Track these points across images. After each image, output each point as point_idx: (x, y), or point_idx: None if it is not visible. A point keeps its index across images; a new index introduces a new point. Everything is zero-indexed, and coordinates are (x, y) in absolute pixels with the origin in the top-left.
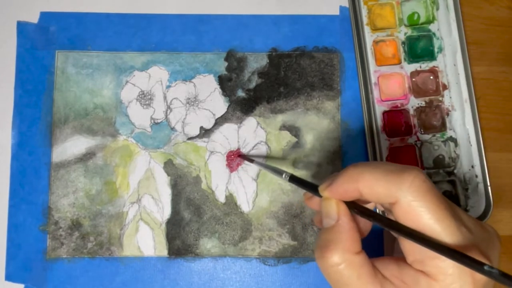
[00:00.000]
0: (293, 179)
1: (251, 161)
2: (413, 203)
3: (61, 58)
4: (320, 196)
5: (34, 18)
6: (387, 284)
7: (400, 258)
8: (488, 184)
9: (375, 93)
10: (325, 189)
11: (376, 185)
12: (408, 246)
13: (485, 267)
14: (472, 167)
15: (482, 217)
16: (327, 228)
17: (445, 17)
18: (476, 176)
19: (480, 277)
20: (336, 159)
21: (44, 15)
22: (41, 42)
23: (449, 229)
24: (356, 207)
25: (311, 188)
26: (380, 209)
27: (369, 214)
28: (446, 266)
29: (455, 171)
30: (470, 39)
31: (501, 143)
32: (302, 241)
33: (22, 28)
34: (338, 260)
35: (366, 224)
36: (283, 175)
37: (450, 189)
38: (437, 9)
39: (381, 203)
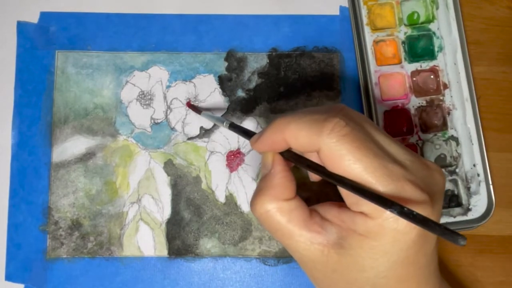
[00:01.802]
0: (233, 126)
1: (199, 112)
2: (332, 148)
3: (61, 58)
4: None
5: (34, 18)
6: (327, 224)
7: (341, 203)
8: (490, 182)
9: (376, 93)
10: (254, 142)
11: (300, 135)
12: (343, 191)
13: (389, 209)
14: (474, 165)
15: (485, 215)
16: (261, 178)
17: (445, 16)
18: (478, 175)
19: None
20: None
21: (44, 15)
22: (41, 42)
23: (371, 168)
24: (293, 156)
25: (250, 135)
26: None
27: (303, 162)
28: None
29: (457, 170)
30: (470, 39)
31: (501, 143)
32: None
33: (22, 28)
34: (268, 207)
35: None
36: (224, 123)
37: (452, 188)
38: (437, 8)
39: (307, 152)
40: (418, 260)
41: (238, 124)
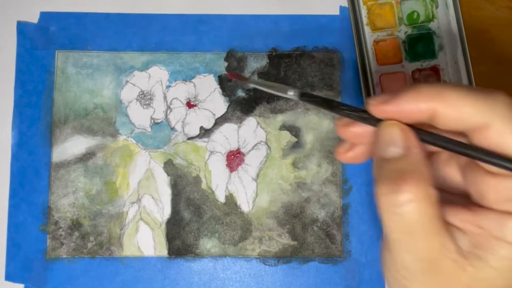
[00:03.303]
0: (308, 96)
1: (245, 79)
2: (508, 125)
3: (61, 58)
4: (366, 120)
5: (34, 18)
6: (455, 230)
7: (469, 204)
8: None
9: (377, 93)
10: (382, 105)
11: (463, 104)
12: (492, 184)
13: None
14: None
15: None
16: (395, 159)
17: (445, 15)
18: None
19: None
20: (336, 159)
21: (44, 15)
22: (41, 42)
23: None
24: (428, 135)
25: (345, 109)
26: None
27: (445, 141)
28: None
29: None
30: (470, 39)
31: None
32: (302, 241)
33: (22, 28)
34: (415, 194)
35: (368, 151)
36: (288, 92)
37: None
38: (437, 7)
39: (459, 127)
40: None
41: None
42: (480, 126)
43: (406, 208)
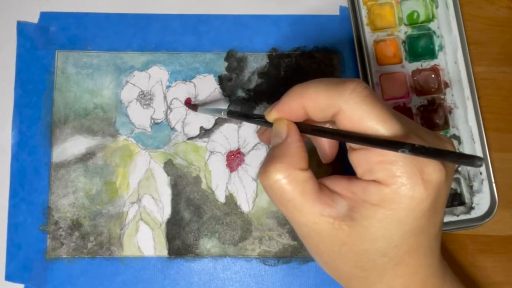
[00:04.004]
0: (231, 113)
1: (195, 109)
2: (355, 109)
3: (61, 58)
4: (269, 124)
5: (34, 18)
6: (336, 197)
7: (351, 175)
8: (493, 180)
9: (377, 93)
10: (270, 111)
11: (319, 97)
12: (356, 158)
13: (400, 149)
14: None
15: (488, 213)
16: (274, 146)
17: (445, 15)
18: (481, 173)
19: (429, 176)
20: (337, 160)
21: (44, 15)
22: (41, 42)
23: (393, 128)
24: (305, 126)
25: (256, 118)
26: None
27: (318, 130)
28: (394, 168)
29: (459, 168)
30: (470, 39)
31: (501, 143)
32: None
33: (22, 28)
34: (281, 175)
35: (332, 148)
36: (222, 113)
37: (455, 187)
38: (437, 7)
39: (326, 117)
40: (428, 230)
41: (235, 123)
42: (336, 112)
43: (274, 186)
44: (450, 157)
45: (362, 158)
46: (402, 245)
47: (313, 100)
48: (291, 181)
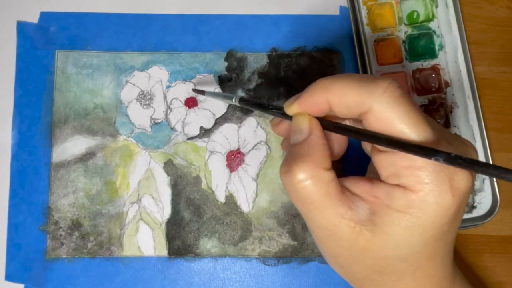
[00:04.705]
0: (243, 100)
1: (202, 92)
2: (386, 109)
3: (61, 58)
4: (287, 117)
5: (34, 18)
6: (357, 200)
7: (373, 177)
8: (494, 180)
9: None
10: (292, 103)
11: (348, 93)
12: (382, 161)
13: (452, 154)
14: None
15: (490, 213)
16: (296, 144)
17: (445, 15)
18: None
19: (458, 184)
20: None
21: (44, 15)
22: (41, 42)
23: (424, 133)
24: (328, 123)
25: (272, 109)
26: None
27: (343, 128)
28: (423, 175)
29: None
30: (470, 39)
31: (501, 143)
32: (302, 241)
33: (22, 28)
34: (306, 174)
35: (341, 146)
36: (233, 99)
37: None
38: (436, 6)
39: (352, 114)
40: (447, 236)
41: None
42: (365, 111)
43: (298, 186)
44: (490, 170)
45: (388, 161)
46: (423, 252)
47: (340, 96)
48: (316, 182)
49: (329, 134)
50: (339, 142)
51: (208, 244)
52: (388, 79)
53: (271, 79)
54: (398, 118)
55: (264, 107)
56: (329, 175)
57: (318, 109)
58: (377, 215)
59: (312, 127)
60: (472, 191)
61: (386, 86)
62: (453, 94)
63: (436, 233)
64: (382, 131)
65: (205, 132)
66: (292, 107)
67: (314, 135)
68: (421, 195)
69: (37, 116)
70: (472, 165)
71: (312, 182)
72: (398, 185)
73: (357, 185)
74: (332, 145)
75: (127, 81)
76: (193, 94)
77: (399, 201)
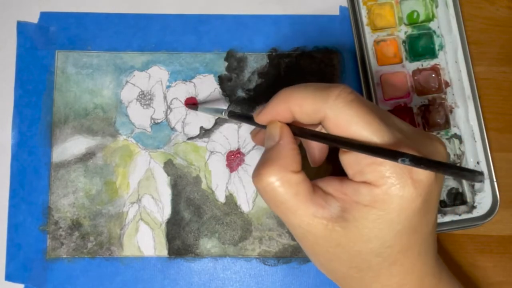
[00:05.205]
0: (232, 114)
1: (195, 108)
2: (340, 114)
3: (61, 58)
4: (264, 127)
5: (34, 18)
6: (329, 198)
7: (343, 176)
8: (495, 179)
9: (378, 93)
10: (258, 114)
11: (305, 103)
12: (347, 160)
13: (400, 159)
14: (478, 163)
15: (490, 212)
16: (267, 149)
17: (445, 14)
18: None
19: (418, 176)
20: (336, 159)
21: (44, 15)
22: (41, 42)
23: (379, 132)
24: (297, 129)
25: (252, 120)
26: None
27: (310, 133)
28: (384, 169)
29: None
30: (470, 39)
31: (501, 143)
32: None
33: (22, 28)
34: (274, 177)
35: (322, 151)
36: (223, 113)
37: (457, 186)
38: (436, 6)
39: (313, 121)
40: (420, 229)
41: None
42: (322, 118)
43: (267, 188)
44: (452, 170)
45: (352, 160)
46: (395, 245)
47: (299, 105)
48: (283, 184)
49: (311, 142)
50: (320, 148)
51: (208, 244)
52: (341, 86)
53: (271, 79)
54: (352, 121)
55: (250, 119)
56: (298, 177)
57: (282, 117)
58: (347, 212)
59: (282, 133)
60: (440, 182)
61: (338, 93)
62: (453, 94)
63: (406, 226)
64: (341, 135)
65: (205, 132)
66: (259, 117)
67: (283, 141)
68: (384, 188)
69: (37, 116)
70: (437, 166)
71: (280, 184)
72: (364, 182)
73: (329, 185)
74: (313, 151)
75: (127, 81)
76: (193, 94)
77: (366, 196)
